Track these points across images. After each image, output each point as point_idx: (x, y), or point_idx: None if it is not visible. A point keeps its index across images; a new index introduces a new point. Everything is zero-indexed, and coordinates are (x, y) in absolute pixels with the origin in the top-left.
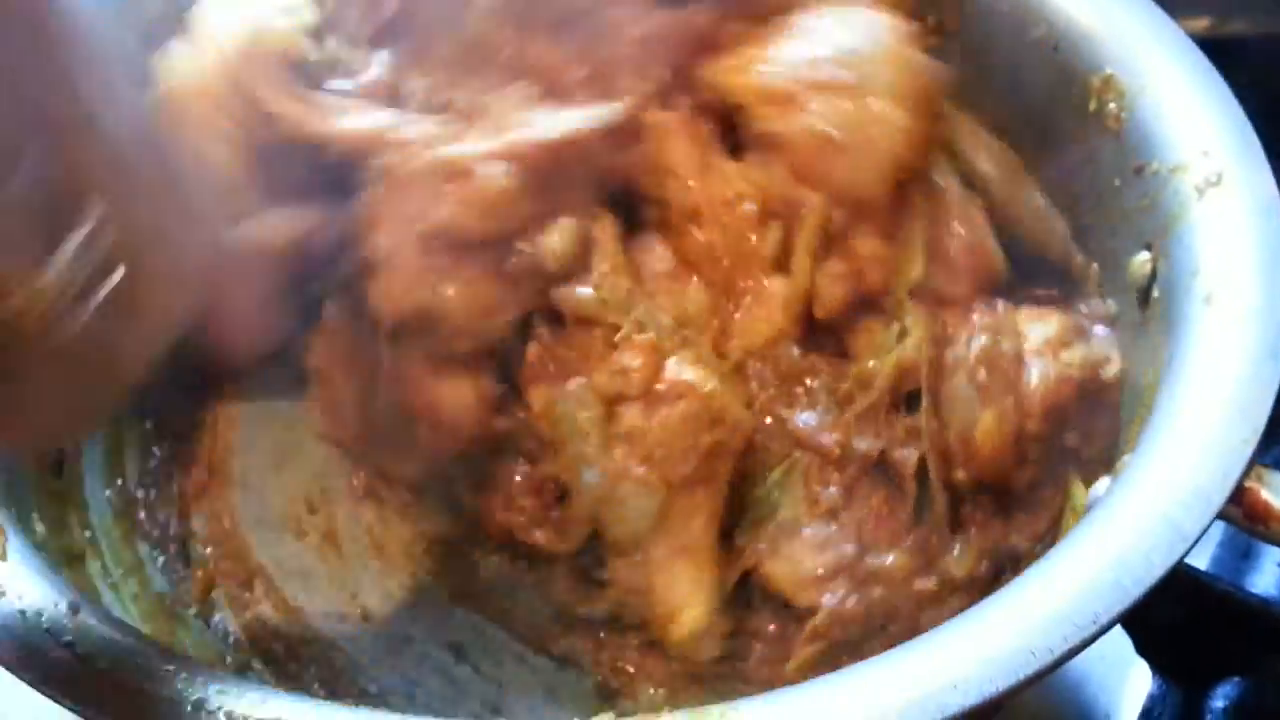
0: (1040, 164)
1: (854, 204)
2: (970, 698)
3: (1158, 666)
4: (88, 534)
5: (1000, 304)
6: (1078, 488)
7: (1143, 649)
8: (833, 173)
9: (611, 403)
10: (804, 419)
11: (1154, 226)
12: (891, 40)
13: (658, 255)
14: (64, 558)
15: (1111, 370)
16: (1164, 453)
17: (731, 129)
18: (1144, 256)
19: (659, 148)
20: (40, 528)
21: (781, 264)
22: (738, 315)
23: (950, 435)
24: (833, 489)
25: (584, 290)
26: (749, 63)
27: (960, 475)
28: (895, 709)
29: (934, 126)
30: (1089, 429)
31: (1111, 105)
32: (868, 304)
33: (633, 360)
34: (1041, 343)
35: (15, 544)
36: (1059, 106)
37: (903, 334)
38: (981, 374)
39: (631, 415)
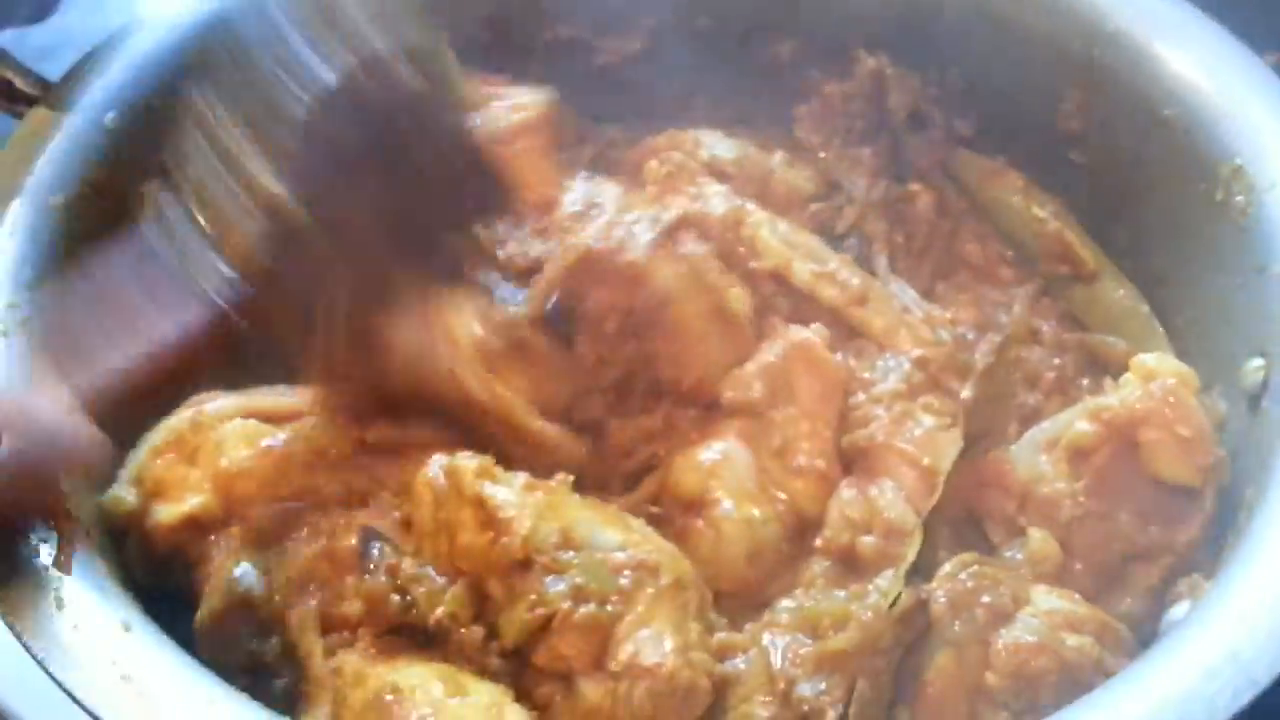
0: (1155, 249)
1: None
2: None
3: None
4: None
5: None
6: None
7: None
8: None
9: None
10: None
11: (1271, 333)
12: None
13: None
14: None
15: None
16: (1248, 587)
17: None
18: (1257, 363)
19: None
20: None
21: None
22: None
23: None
24: None
25: None
26: None
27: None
28: None
29: None
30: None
31: (1239, 198)
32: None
33: None
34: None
35: None
36: (1184, 192)
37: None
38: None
39: None
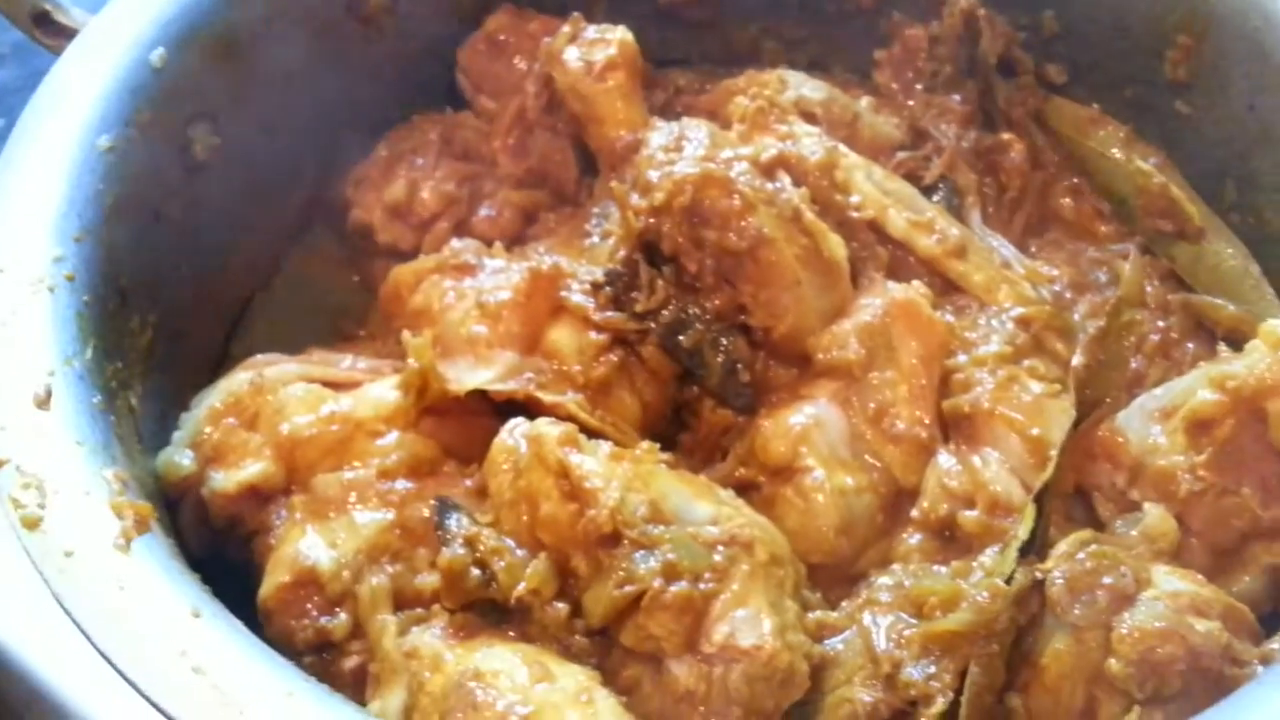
0: (1266, 205)
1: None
2: None
3: None
4: None
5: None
6: None
7: None
8: None
9: None
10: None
11: None
12: None
13: None
14: None
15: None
16: None
17: None
18: None
19: None
20: None
21: None
22: None
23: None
24: None
25: None
26: None
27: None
28: None
29: None
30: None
31: None
32: None
33: None
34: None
35: None
36: None
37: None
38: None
39: None
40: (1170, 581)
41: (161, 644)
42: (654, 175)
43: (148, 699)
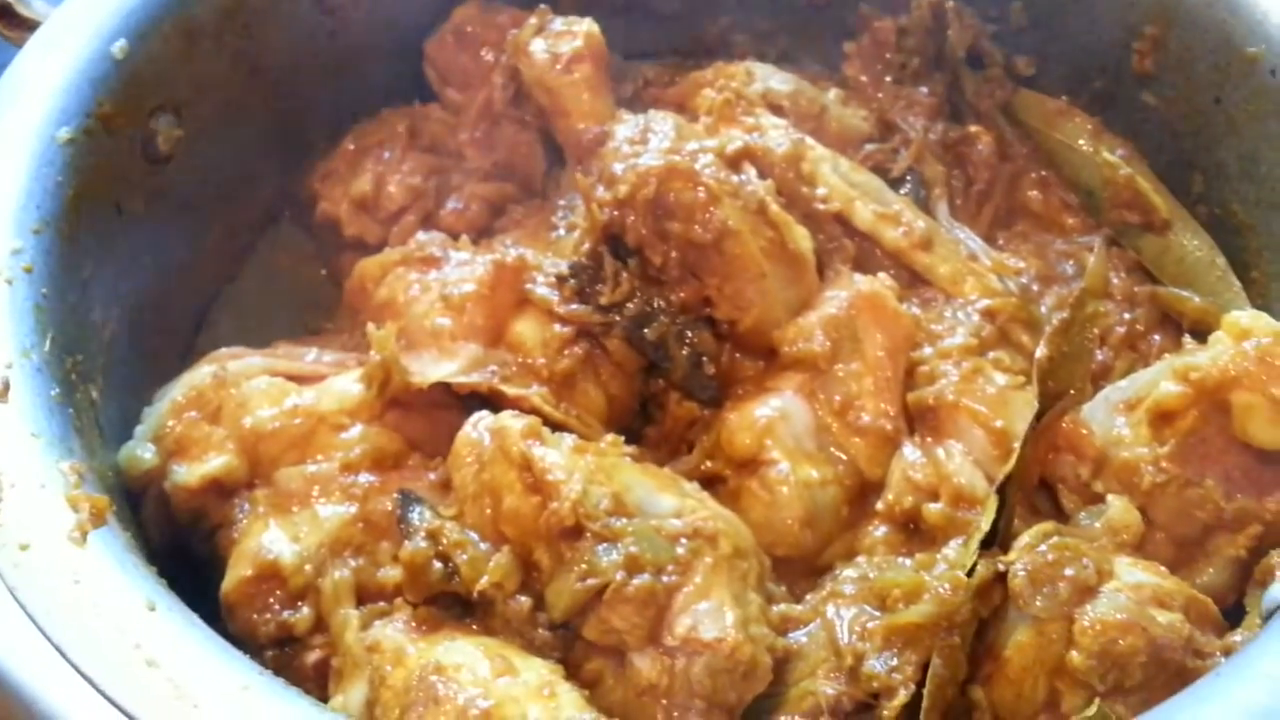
0: (1232, 197)
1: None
2: None
3: None
4: None
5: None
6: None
7: None
8: None
9: None
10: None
11: None
12: None
13: None
14: None
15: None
16: None
17: None
18: None
19: None
20: None
21: None
22: None
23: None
24: None
25: None
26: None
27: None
28: None
29: None
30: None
31: None
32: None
33: None
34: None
35: None
36: (1267, 134)
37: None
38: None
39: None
40: (1132, 573)
41: (116, 638)
42: (619, 168)
43: (102, 693)
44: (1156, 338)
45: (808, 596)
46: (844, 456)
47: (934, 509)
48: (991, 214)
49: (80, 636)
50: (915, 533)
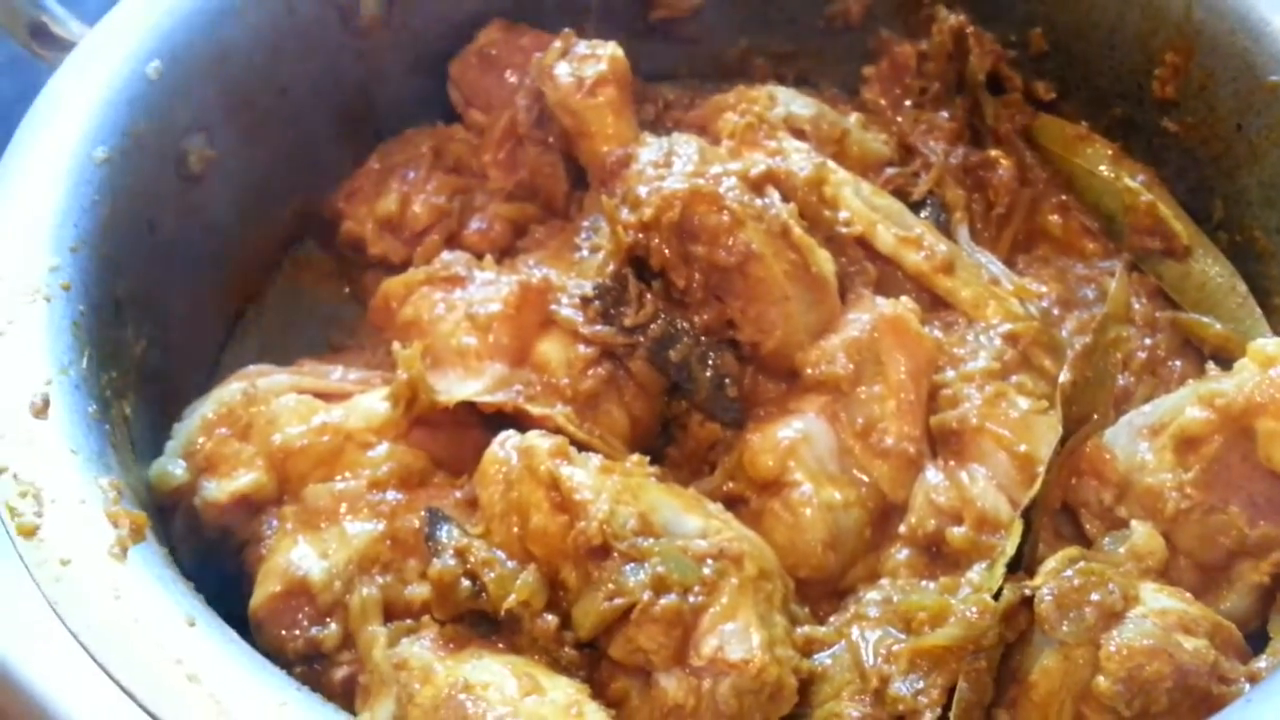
0: (1254, 223)
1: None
2: None
3: None
4: None
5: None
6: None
7: None
8: None
9: None
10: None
11: None
12: None
13: None
14: None
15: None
16: None
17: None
18: None
19: None
20: None
21: None
22: None
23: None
24: None
25: None
26: None
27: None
28: None
29: None
30: None
31: None
32: None
33: None
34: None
35: None
36: None
37: None
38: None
39: None
40: (1158, 599)
41: (157, 653)
42: (643, 191)
43: (144, 708)
44: (1177, 363)
45: (831, 618)
46: (867, 479)
47: (957, 533)
48: (1011, 238)
49: (122, 652)
50: (938, 556)
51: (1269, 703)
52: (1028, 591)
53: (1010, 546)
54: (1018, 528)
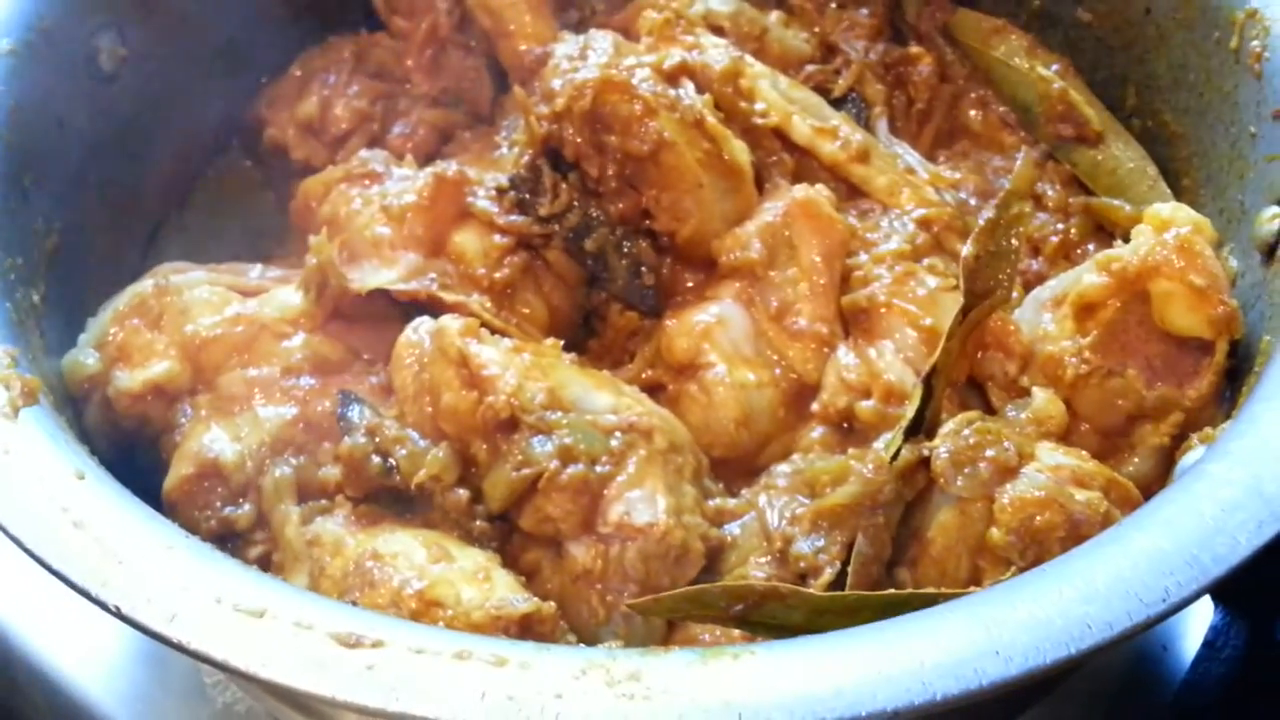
0: (1164, 107)
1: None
2: (1012, 668)
3: (1221, 597)
4: None
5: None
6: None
7: None
8: None
9: None
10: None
11: None
12: None
13: None
14: None
15: None
16: (1265, 424)
17: None
18: (1273, 211)
19: None
20: None
21: None
22: None
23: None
24: None
25: None
26: None
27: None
28: (927, 666)
29: None
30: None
31: (1254, 43)
32: None
33: None
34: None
35: None
36: (1196, 43)
37: None
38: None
39: None
40: (1053, 456)
41: (45, 502)
42: (556, 83)
43: (29, 552)
44: (1091, 247)
45: (743, 491)
46: (781, 360)
47: (866, 406)
48: (932, 134)
49: (7, 500)
50: (850, 432)
51: (1140, 523)
52: (925, 451)
53: (910, 410)
54: (918, 392)
